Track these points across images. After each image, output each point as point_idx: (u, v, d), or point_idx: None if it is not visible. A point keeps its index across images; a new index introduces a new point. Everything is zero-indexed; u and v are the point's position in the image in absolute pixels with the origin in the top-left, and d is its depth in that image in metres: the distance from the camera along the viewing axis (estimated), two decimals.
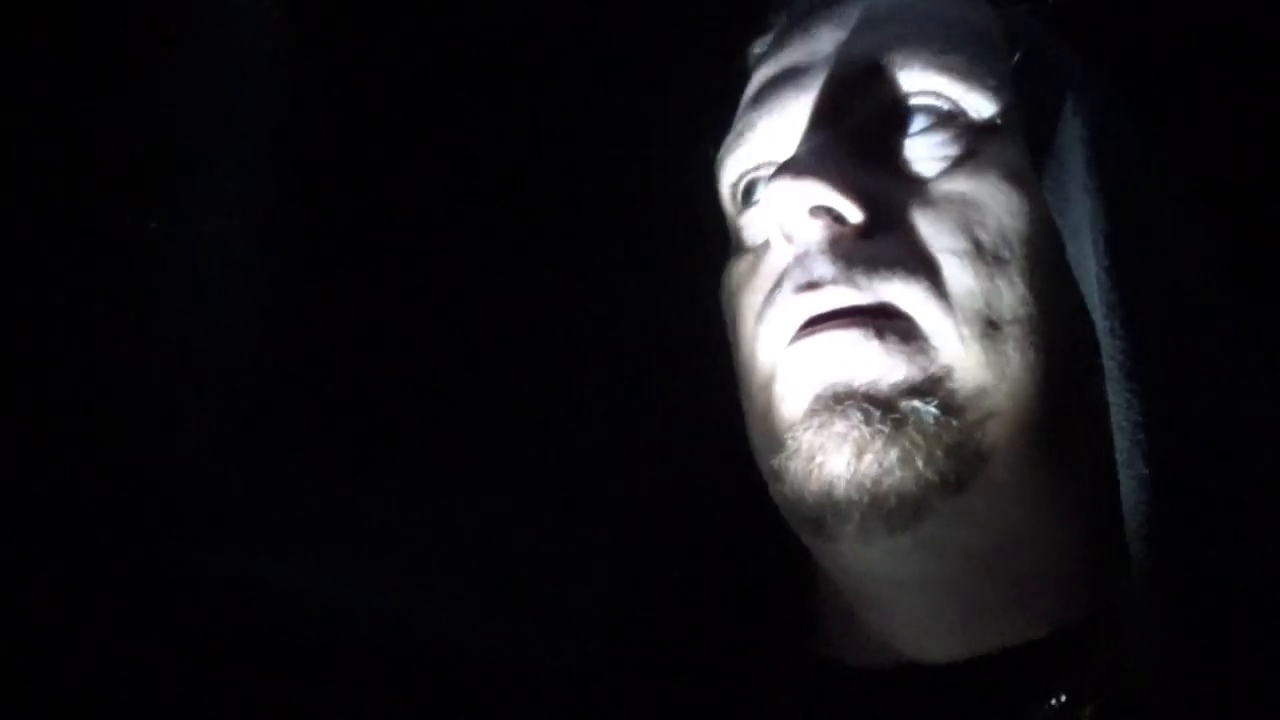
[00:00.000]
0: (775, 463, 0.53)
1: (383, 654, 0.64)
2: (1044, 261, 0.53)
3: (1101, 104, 0.54)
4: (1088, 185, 0.50)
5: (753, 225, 0.59)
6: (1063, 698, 0.51)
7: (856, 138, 0.55)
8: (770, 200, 0.53)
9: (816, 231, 0.52)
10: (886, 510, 0.50)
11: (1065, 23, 0.60)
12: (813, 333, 0.52)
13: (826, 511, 0.51)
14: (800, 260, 0.53)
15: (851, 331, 0.51)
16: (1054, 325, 0.53)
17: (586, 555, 0.66)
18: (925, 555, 0.52)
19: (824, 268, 0.52)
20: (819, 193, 0.52)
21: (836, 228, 0.53)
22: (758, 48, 0.64)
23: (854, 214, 0.52)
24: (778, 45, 0.61)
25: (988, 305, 0.52)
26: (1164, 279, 0.50)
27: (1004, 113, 0.55)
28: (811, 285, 0.52)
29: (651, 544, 0.66)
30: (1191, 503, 0.47)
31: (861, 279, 0.52)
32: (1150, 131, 0.57)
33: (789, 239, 0.53)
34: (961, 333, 0.51)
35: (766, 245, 0.56)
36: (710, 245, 0.64)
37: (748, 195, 0.59)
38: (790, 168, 0.52)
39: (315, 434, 0.69)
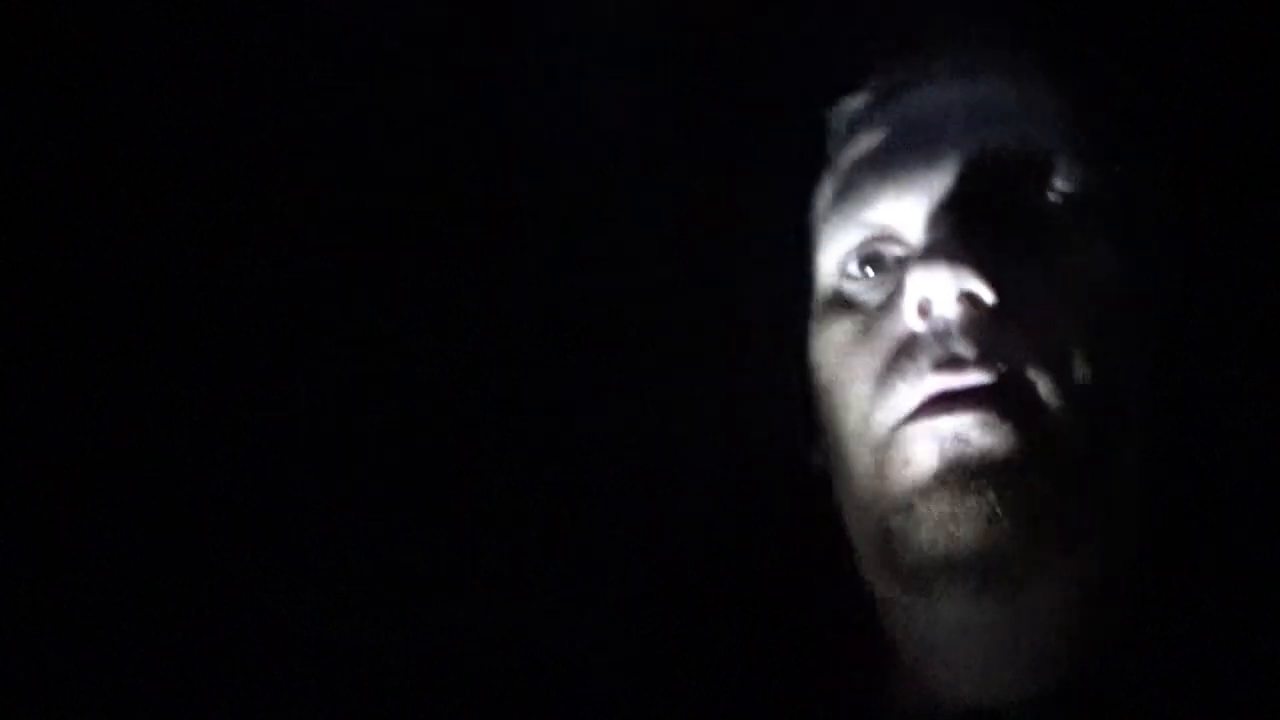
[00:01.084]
0: (891, 523, 0.57)
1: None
2: (1142, 343, 0.60)
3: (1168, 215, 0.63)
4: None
5: (866, 287, 0.62)
6: None
7: (991, 222, 0.59)
8: (922, 281, 0.57)
9: (955, 310, 0.57)
10: (1006, 580, 0.55)
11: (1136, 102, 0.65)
12: (949, 409, 0.56)
13: (945, 574, 0.56)
14: (939, 337, 0.57)
15: (988, 413, 0.56)
16: (1145, 405, 0.59)
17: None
18: (1010, 617, 0.57)
19: (965, 348, 0.56)
20: (970, 279, 0.56)
21: (972, 309, 0.57)
22: (849, 106, 0.67)
23: (991, 298, 0.57)
24: (881, 109, 0.65)
25: (1106, 390, 0.57)
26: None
27: (1109, 200, 0.61)
28: (953, 363, 0.57)
29: (701, 572, 0.70)
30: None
31: (1000, 362, 0.56)
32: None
33: (924, 313, 0.57)
34: (1083, 418, 0.57)
35: (884, 310, 0.60)
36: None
37: (869, 260, 0.63)
38: (945, 252, 0.57)
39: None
